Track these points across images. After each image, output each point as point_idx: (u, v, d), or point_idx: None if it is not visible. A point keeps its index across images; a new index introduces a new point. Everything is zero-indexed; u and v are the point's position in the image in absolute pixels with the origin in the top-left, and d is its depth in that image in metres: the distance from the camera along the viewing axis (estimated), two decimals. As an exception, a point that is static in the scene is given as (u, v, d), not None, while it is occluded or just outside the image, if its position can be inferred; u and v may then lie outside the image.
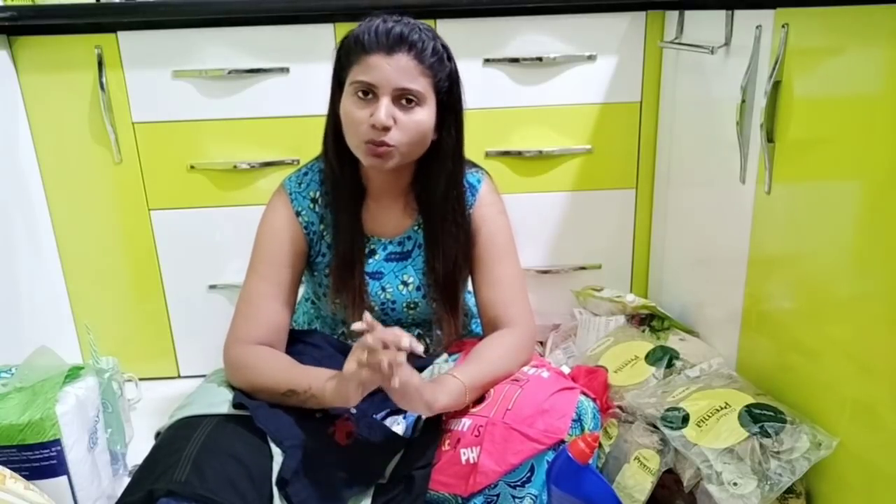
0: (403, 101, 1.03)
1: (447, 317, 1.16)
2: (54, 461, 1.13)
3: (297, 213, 1.15)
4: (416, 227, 1.17)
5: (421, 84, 1.03)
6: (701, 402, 1.13)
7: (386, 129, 1.02)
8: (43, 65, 1.48)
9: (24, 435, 1.11)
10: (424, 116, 1.05)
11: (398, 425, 1.07)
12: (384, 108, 1.01)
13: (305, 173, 1.18)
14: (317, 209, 1.15)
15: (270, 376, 1.04)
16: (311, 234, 1.16)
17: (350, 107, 1.04)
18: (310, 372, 1.03)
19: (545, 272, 1.69)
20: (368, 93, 1.03)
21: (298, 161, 1.55)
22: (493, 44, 1.53)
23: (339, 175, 1.12)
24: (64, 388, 1.19)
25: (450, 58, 1.08)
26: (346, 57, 1.06)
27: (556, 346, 1.62)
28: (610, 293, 1.57)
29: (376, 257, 1.17)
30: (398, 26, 1.03)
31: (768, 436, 1.02)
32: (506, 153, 1.60)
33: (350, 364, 0.95)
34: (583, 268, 1.69)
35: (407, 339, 0.92)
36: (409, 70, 1.02)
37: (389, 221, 1.17)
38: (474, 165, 1.21)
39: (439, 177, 1.11)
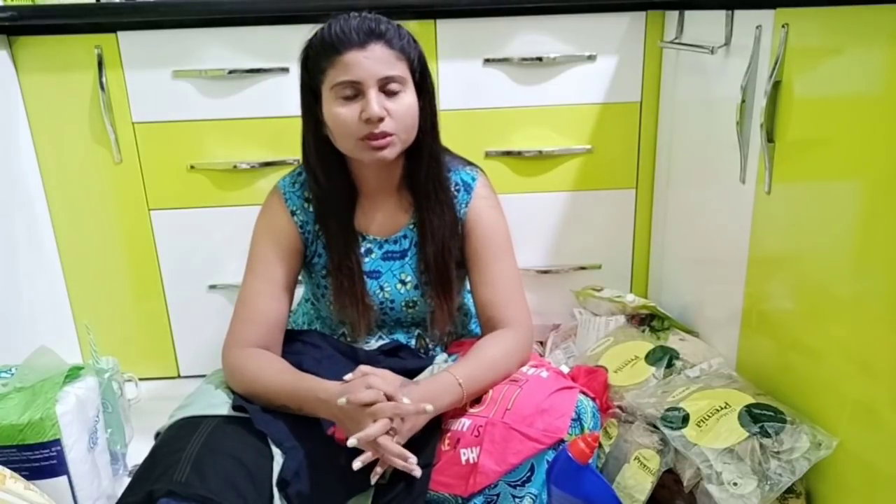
0: (388, 90, 1.03)
1: (439, 303, 1.16)
2: (54, 461, 1.14)
3: (292, 213, 1.15)
4: (411, 226, 1.17)
5: (399, 69, 1.04)
6: (701, 402, 1.13)
7: (380, 120, 1.02)
8: (43, 65, 1.48)
9: (24, 435, 1.11)
10: (411, 99, 1.06)
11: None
12: (374, 101, 1.02)
13: (299, 173, 1.18)
14: (311, 209, 1.15)
15: (266, 387, 1.04)
16: (307, 233, 1.16)
17: (337, 109, 1.04)
18: (302, 386, 1.03)
19: (545, 272, 1.69)
20: (352, 91, 1.03)
21: (298, 161, 1.54)
22: (493, 44, 1.53)
23: (324, 183, 1.12)
24: (64, 388, 1.19)
25: (415, 40, 1.08)
26: (317, 63, 1.05)
27: (556, 346, 1.62)
28: (610, 293, 1.57)
29: (372, 256, 1.17)
30: (364, 21, 1.03)
31: (768, 436, 1.02)
32: (506, 153, 1.60)
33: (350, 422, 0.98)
34: (583, 268, 1.69)
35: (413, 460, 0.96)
36: (385, 58, 1.03)
37: (384, 220, 1.17)
38: (469, 164, 1.21)
39: (421, 157, 1.12)
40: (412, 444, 1.03)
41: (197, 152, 1.56)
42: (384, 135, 1.03)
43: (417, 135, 1.10)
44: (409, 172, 1.14)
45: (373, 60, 1.02)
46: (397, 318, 1.20)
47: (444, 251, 1.14)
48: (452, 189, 1.15)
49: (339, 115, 1.04)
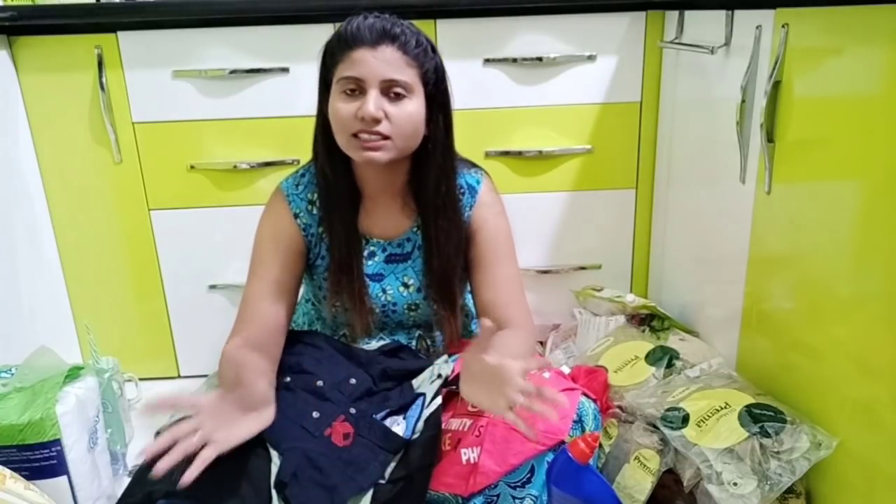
0: (392, 94, 1.03)
1: (447, 316, 1.16)
2: (54, 461, 1.14)
3: (296, 216, 1.15)
4: (415, 229, 1.17)
5: (408, 75, 1.03)
6: (701, 402, 1.13)
7: (376, 121, 1.02)
8: (43, 65, 1.48)
9: (24, 435, 1.11)
10: (414, 108, 1.05)
11: (398, 425, 1.07)
12: (372, 100, 1.01)
13: (303, 175, 1.17)
14: (314, 211, 1.15)
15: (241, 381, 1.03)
16: (310, 235, 1.16)
17: (338, 104, 1.04)
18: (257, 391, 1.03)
19: (545, 272, 1.69)
20: (356, 88, 1.03)
21: (298, 161, 1.55)
22: (493, 44, 1.53)
23: (331, 179, 1.12)
24: (64, 388, 1.19)
25: (434, 51, 1.07)
26: (331, 57, 1.06)
27: (556, 346, 1.62)
28: (610, 293, 1.57)
29: (376, 259, 1.17)
30: (380, 22, 1.03)
31: (768, 436, 1.02)
32: (506, 153, 1.60)
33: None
34: (583, 268, 1.69)
35: None
36: (394, 61, 1.02)
37: (388, 223, 1.17)
38: (474, 166, 1.21)
39: (430, 172, 1.11)
40: (413, 444, 1.03)
41: (197, 152, 1.56)
42: (378, 135, 1.03)
43: (426, 146, 1.09)
44: (415, 180, 1.13)
45: (380, 61, 1.01)
46: (399, 320, 1.20)
47: (449, 266, 1.14)
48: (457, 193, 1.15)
49: (338, 109, 1.04)
